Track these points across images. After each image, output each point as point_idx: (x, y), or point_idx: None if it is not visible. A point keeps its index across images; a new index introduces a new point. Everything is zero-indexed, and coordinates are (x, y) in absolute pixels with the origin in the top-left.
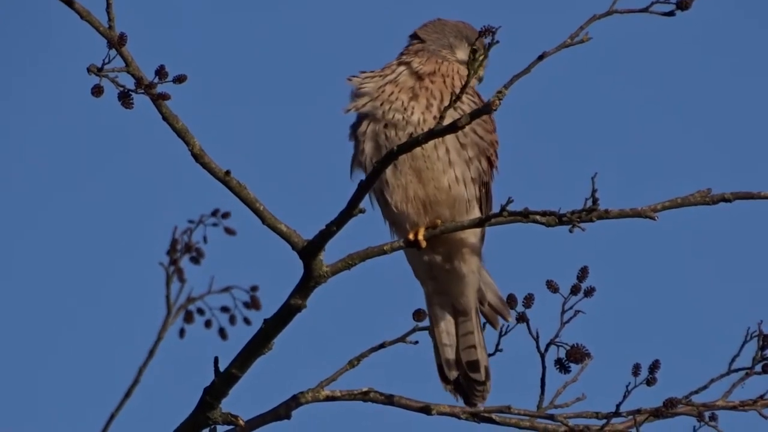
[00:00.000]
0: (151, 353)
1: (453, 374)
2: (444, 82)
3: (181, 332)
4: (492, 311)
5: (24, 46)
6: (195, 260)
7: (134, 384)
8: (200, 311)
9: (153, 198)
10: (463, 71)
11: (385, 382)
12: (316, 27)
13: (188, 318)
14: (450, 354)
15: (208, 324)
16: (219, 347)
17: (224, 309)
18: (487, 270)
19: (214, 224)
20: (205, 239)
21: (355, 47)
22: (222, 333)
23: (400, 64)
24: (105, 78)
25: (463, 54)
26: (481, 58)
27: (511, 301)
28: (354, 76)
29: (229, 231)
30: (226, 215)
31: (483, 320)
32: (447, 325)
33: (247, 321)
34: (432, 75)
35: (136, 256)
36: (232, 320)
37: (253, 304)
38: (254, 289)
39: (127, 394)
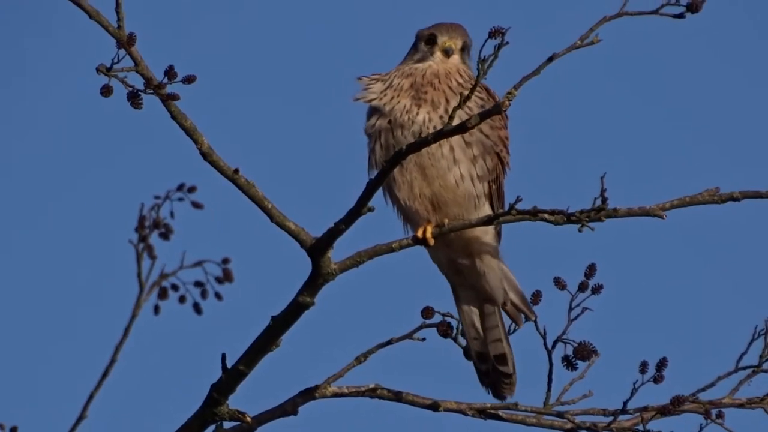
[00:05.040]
0: (126, 331)
1: (482, 368)
2: (434, 87)
3: (156, 309)
4: (515, 310)
5: (31, 46)
6: (164, 236)
7: (111, 363)
8: (174, 287)
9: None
10: (423, 67)
11: (392, 379)
12: (323, 25)
13: (162, 294)
14: (479, 347)
15: (182, 300)
16: (227, 343)
17: (198, 284)
18: (509, 268)
19: (181, 199)
20: (172, 214)
21: (364, 45)
22: (197, 308)
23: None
24: (114, 78)
25: (419, 53)
26: (491, 58)
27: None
28: (364, 76)
29: (196, 205)
30: (192, 189)
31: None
32: (474, 318)
33: (218, 296)
34: (421, 86)
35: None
36: (204, 295)
37: (226, 277)
38: (226, 261)
39: (105, 374)
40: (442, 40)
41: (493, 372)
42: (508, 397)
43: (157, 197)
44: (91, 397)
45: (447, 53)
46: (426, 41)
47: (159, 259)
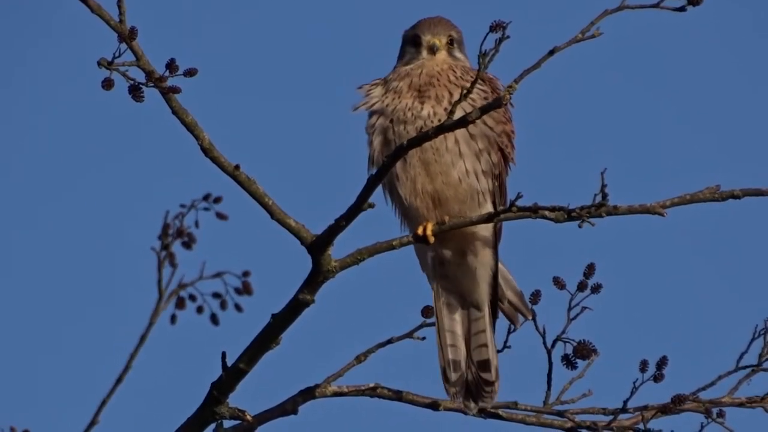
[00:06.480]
0: (143, 339)
1: (454, 375)
2: (433, 84)
3: (173, 318)
4: (512, 309)
5: (33, 39)
6: (186, 245)
7: (125, 370)
8: (192, 297)
9: (162, 191)
10: (416, 69)
11: (392, 378)
12: (325, 24)
13: (180, 304)
14: (454, 355)
15: (199, 310)
16: (227, 342)
17: (216, 295)
18: (506, 266)
19: (206, 209)
20: (196, 224)
21: (365, 44)
22: (214, 319)
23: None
24: (116, 71)
25: (407, 55)
26: (492, 53)
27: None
28: (364, 84)
29: (220, 216)
30: (217, 200)
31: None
32: (453, 325)
33: (238, 307)
34: (420, 86)
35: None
36: (223, 306)
37: (245, 289)
38: (246, 274)
39: (119, 380)
40: (426, 39)
41: (474, 378)
42: (487, 405)
43: (182, 206)
44: (103, 402)
45: (432, 51)
46: (411, 43)
47: (179, 267)
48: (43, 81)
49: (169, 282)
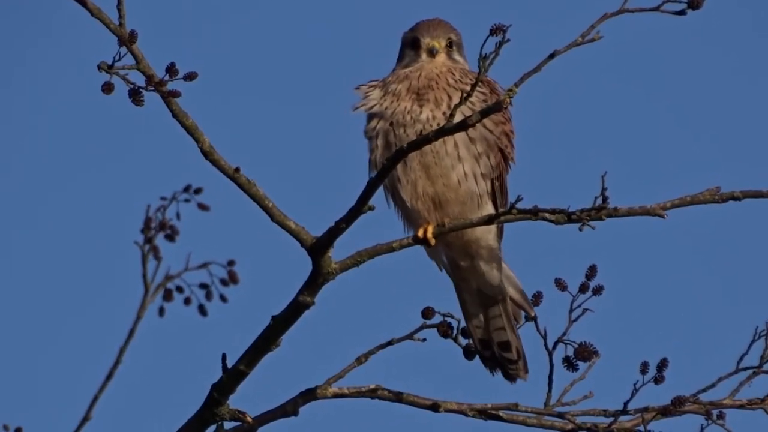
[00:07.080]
0: (131, 333)
1: (486, 354)
2: (432, 88)
3: (161, 311)
4: (515, 307)
5: (33, 39)
6: (170, 237)
7: (116, 365)
8: (179, 289)
9: (162, 194)
10: (415, 71)
11: (393, 380)
12: (324, 25)
13: (167, 296)
14: (481, 334)
15: (187, 301)
16: (227, 343)
17: (203, 286)
18: (508, 265)
19: (187, 200)
20: (178, 216)
21: (364, 45)
22: (202, 310)
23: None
24: (115, 75)
25: (407, 58)
26: (492, 56)
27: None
28: (362, 85)
29: (202, 207)
30: (198, 191)
31: None
32: (475, 308)
33: (223, 298)
34: (419, 89)
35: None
36: (209, 296)
37: (231, 279)
38: (231, 263)
39: (109, 376)
40: (425, 41)
41: (500, 357)
42: (524, 379)
43: (163, 198)
44: (95, 398)
45: (432, 53)
46: (410, 45)
47: (164, 260)
48: (43, 81)
49: (154, 275)
